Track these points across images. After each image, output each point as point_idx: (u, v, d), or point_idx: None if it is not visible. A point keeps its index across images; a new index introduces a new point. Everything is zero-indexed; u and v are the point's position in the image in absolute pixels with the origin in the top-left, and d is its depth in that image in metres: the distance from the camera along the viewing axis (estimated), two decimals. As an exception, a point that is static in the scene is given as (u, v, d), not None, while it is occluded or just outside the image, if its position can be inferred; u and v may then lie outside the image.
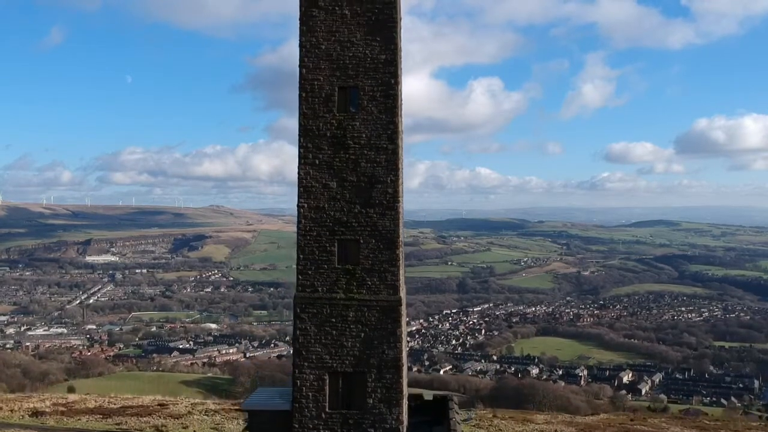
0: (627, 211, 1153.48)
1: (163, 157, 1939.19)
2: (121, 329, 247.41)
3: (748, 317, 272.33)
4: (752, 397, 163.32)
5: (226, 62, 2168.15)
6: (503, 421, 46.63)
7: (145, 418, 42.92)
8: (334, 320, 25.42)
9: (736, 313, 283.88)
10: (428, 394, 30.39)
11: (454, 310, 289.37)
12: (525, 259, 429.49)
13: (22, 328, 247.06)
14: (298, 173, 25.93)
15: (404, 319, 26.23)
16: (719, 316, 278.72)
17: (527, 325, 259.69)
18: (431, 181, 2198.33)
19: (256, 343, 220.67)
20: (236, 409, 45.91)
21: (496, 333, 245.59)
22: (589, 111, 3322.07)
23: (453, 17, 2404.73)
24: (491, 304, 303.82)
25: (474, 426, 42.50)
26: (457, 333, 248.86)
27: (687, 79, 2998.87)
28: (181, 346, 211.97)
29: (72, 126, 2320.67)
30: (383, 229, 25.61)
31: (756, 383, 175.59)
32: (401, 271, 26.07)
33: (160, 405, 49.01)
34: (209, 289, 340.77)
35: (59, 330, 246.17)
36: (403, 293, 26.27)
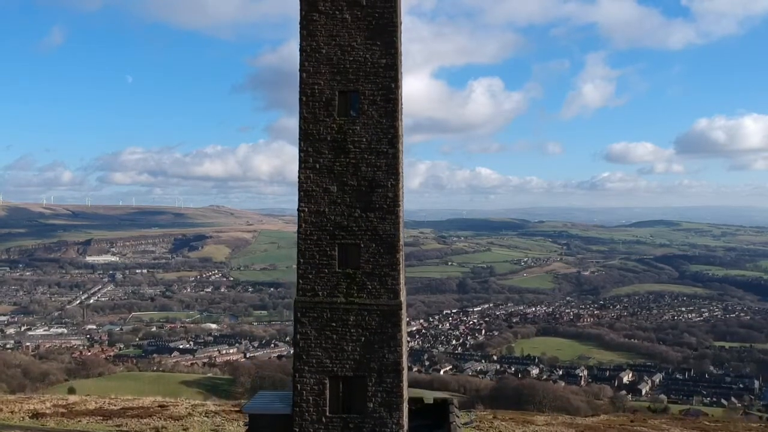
0: (627, 211, 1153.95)
1: (163, 157, 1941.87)
2: (121, 329, 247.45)
3: (749, 317, 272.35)
4: (752, 397, 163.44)
5: (226, 62, 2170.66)
6: (503, 423, 46.68)
7: (145, 420, 42.96)
8: (334, 324, 25.42)
9: (737, 313, 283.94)
10: (428, 398, 30.40)
11: (454, 311, 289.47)
12: (525, 259, 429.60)
13: (23, 328, 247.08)
14: (299, 177, 25.93)
15: (404, 323, 26.24)
16: (719, 316, 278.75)
17: (527, 326, 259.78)
18: (431, 181, 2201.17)
19: (256, 344, 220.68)
20: (236, 411, 45.95)
21: (496, 333, 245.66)
22: (589, 111, 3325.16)
23: (453, 17, 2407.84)
24: (491, 305, 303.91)
25: (474, 428, 42.52)
26: (458, 333, 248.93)
27: (687, 79, 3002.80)
28: (181, 347, 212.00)
29: (72, 126, 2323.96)
30: (384, 233, 25.62)
31: (756, 383, 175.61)
32: (402, 275, 26.08)
33: (160, 406, 49.08)
34: (209, 289, 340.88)
35: (59, 330, 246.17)
36: (403, 297, 26.28)
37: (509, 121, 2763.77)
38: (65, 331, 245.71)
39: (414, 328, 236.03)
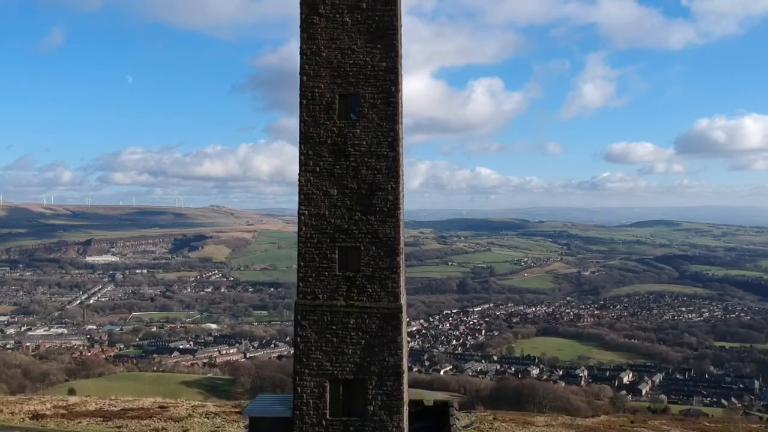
0: (627, 211, 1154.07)
1: (163, 157, 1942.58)
2: (121, 329, 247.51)
3: (749, 317, 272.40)
4: (752, 397, 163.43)
5: (226, 62, 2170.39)
6: (503, 424, 46.65)
7: (145, 421, 42.96)
8: (334, 327, 25.43)
9: (737, 313, 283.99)
10: (429, 400, 30.40)
11: (454, 311, 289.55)
12: (525, 260, 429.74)
13: (23, 329, 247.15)
14: (299, 180, 25.94)
15: (405, 327, 26.26)
16: (720, 316, 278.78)
17: (527, 326, 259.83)
18: (431, 181, 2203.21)
19: (256, 344, 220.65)
20: (237, 412, 45.96)
21: (496, 333, 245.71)
22: (589, 111, 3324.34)
23: (453, 18, 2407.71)
24: (491, 305, 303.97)
25: (474, 430, 42.52)
26: (458, 333, 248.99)
27: (687, 80, 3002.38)
28: (181, 347, 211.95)
29: (72, 126, 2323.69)
30: (384, 237, 25.63)
31: (756, 384, 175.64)
32: (402, 279, 26.09)
33: (160, 407, 49.09)
34: (209, 290, 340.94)
35: (59, 330, 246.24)
36: (403, 300, 26.30)
37: (509, 121, 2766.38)
38: (65, 331, 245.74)
39: (414, 328, 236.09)
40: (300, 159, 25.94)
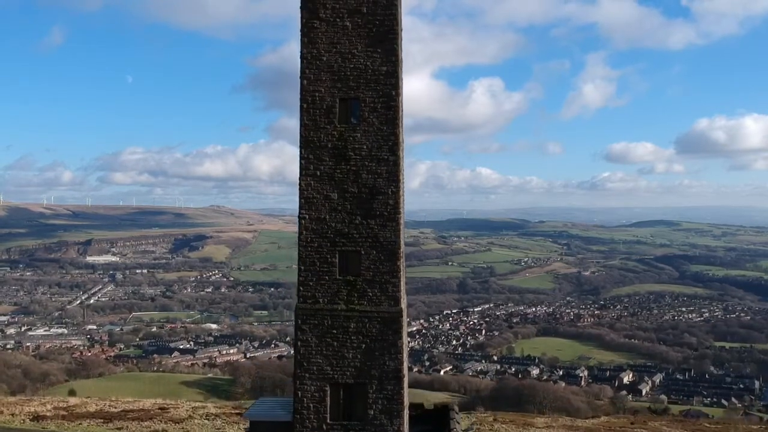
0: (627, 211, 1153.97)
1: (163, 157, 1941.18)
2: (121, 329, 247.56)
3: (749, 317, 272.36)
4: (753, 397, 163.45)
5: (227, 63, 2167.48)
6: (504, 425, 46.65)
7: (146, 423, 43.01)
8: (335, 331, 25.48)
9: (737, 313, 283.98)
10: (429, 404, 30.44)
11: (454, 311, 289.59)
12: (525, 260, 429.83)
13: (23, 329, 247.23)
14: (300, 184, 25.96)
15: (405, 330, 26.29)
16: (720, 316, 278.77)
17: (528, 326, 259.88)
18: (432, 181, 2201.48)
19: (256, 344, 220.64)
20: (237, 413, 46.02)
21: (496, 333, 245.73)
22: (589, 111, 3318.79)
23: (453, 18, 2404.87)
24: (492, 305, 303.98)
25: (475, 431, 42.55)
26: (458, 333, 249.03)
27: (687, 80, 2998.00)
28: (181, 347, 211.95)
29: (72, 126, 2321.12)
30: (384, 241, 25.67)
31: (756, 384, 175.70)
32: (402, 282, 26.12)
33: (160, 409, 49.17)
34: (210, 290, 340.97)
35: (60, 330, 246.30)
36: (404, 304, 26.33)
37: (509, 121, 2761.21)
38: (65, 331, 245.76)
39: (414, 328, 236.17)
40: (300, 163, 25.97)
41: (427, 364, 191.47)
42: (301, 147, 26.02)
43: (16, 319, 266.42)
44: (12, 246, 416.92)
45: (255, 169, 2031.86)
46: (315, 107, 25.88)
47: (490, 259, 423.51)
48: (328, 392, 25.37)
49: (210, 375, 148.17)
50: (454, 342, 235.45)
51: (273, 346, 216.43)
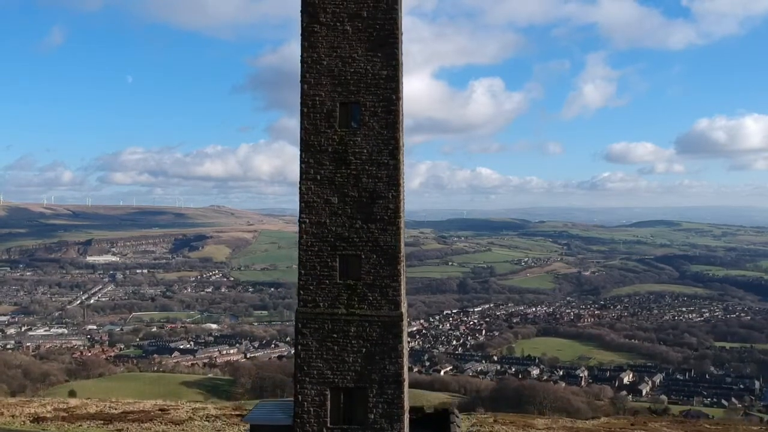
0: (627, 211, 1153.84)
1: (163, 157, 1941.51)
2: (121, 329, 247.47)
3: (749, 318, 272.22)
4: (753, 398, 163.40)
5: (227, 63, 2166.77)
6: (504, 427, 46.64)
7: (146, 424, 43.01)
8: (335, 335, 25.50)
9: (737, 313, 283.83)
10: (429, 407, 30.46)
11: (454, 311, 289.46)
12: (525, 260, 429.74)
13: (23, 329, 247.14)
14: (300, 188, 25.97)
15: (405, 335, 26.30)
16: (720, 316, 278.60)
17: (528, 326, 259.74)
18: (432, 181, 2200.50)
19: (256, 344, 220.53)
20: (237, 415, 46.03)
21: (496, 333, 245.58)
22: (590, 111, 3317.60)
23: (454, 18, 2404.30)
24: (492, 305, 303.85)
25: (475, 433, 42.54)
26: (458, 333, 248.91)
27: (688, 80, 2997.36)
28: (181, 347, 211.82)
29: (72, 126, 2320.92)
30: (384, 245, 25.69)
31: (757, 384, 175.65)
32: (402, 286, 26.13)
33: (161, 410, 49.15)
34: (210, 290, 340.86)
35: (60, 330, 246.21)
36: (404, 308, 26.34)
37: (510, 121, 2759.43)
38: (66, 331, 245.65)
39: (414, 329, 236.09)
40: (301, 167, 25.98)
41: (427, 364, 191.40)
42: (301, 151, 26.04)
43: (17, 319, 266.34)
44: (12, 246, 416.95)
45: (255, 169, 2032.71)
46: (315, 111, 25.90)
47: (490, 259, 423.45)
48: (329, 396, 25.40)
49: (210, 375, 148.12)
50: (454, 342, 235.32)
51: (273, 346, 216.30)
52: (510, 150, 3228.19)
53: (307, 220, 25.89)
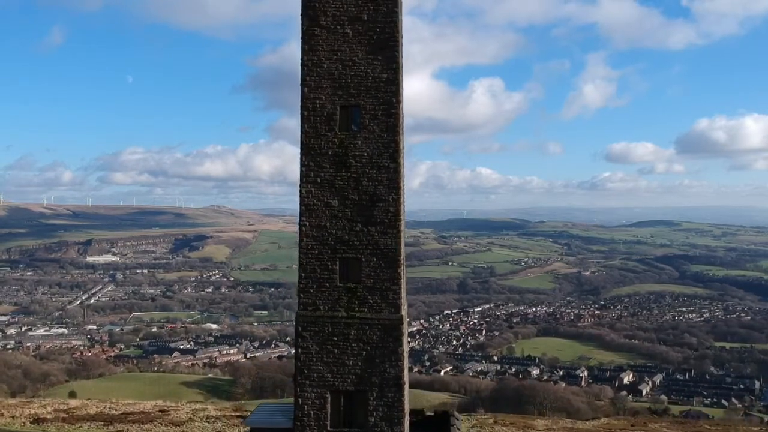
0: (627, 211, 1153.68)
1: (163, 157, 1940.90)
2: (121, 329, 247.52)
3: (749, 318, 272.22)
4: (753, 398, 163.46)
5: (227, 63, 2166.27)
6: (504, 428, 46.63)
7: (146, 426, 43.00)
8: (335, 339, 25.52)
9: (737, 313, 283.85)
10: (429, 410, 30.47)
11: (454, 311, 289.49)
12: (526, 260, 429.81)
13: (23, 329, 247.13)
14: (300, 192, 25.98)
15: (406, 338, 26.31)
16: (720, 316, 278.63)
17: (528, 326, 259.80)
18: (432, 181, 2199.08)
19: (256, 344, 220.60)
20: (237, 416, 46.04)
21: (496, 333, 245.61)
22: (590, 111, 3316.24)
23: (454, 18, 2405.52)
24: (492, 305, 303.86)
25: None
26: (458, 333, 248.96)
27: (688, 80, 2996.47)
28: (181, 347, 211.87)
29: (72, 126, 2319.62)
30: (385, 248, 25.70)
31: (757, 384, 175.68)
32: (403, 289, 26.15)
33: (161, 411, 49.13)
34: (210, 290, 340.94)
35: (60, 330, 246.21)
36: (404, 311, 26.35)
37: (510, 121, 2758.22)
38: (66, 331, 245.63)
39: (414, 329, 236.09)
40: (301, 170, 26.00)
41: (428, 364, 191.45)
42: (301, 154, 26.06)
43: (17, 319, 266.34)
44: (12, 246, 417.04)
45: (255, 169, 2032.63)
46: (315, 114, 25.91)
47: (490, 259, 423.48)
48: (329, 399, 25.41)
49: (210, 375, 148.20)
50: (455, 342, 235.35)
51: (273, 346, 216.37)
52: (510, 150, 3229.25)
53: (308, 223, 25.90)
